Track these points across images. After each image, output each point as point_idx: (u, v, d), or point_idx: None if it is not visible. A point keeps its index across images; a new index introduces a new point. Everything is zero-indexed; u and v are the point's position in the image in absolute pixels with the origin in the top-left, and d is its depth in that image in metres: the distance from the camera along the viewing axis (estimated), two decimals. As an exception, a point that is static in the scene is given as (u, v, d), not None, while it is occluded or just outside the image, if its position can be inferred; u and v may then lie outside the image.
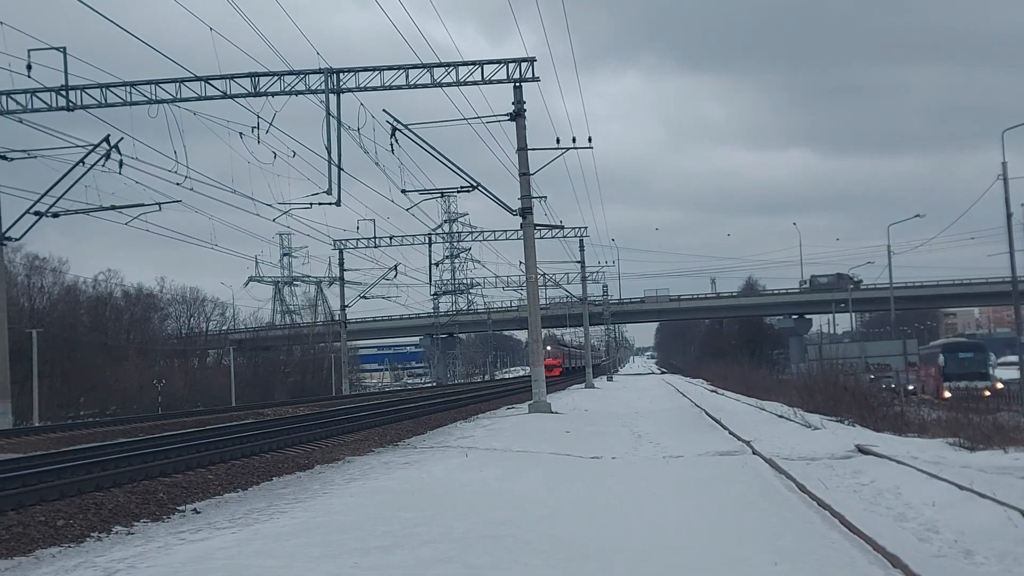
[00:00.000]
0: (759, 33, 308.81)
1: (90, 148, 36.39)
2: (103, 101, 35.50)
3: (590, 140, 38.82)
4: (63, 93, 35.25)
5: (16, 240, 40.84)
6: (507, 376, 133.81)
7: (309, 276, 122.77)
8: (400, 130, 34.36)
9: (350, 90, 34.80)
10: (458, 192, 41.05)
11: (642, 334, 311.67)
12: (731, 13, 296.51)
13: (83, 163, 36.74)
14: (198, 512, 14.31)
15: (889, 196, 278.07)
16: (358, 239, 67.45)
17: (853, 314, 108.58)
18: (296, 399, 69.54)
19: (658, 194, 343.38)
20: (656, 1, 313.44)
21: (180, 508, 14.63)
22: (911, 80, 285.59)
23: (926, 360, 57.02)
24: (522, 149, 36.20)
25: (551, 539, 11.02)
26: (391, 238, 67.24)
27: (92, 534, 12.56)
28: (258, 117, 33.40)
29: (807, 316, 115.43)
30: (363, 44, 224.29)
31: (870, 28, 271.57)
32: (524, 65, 35.42)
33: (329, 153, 33.64)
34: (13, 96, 36.21)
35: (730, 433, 25.11)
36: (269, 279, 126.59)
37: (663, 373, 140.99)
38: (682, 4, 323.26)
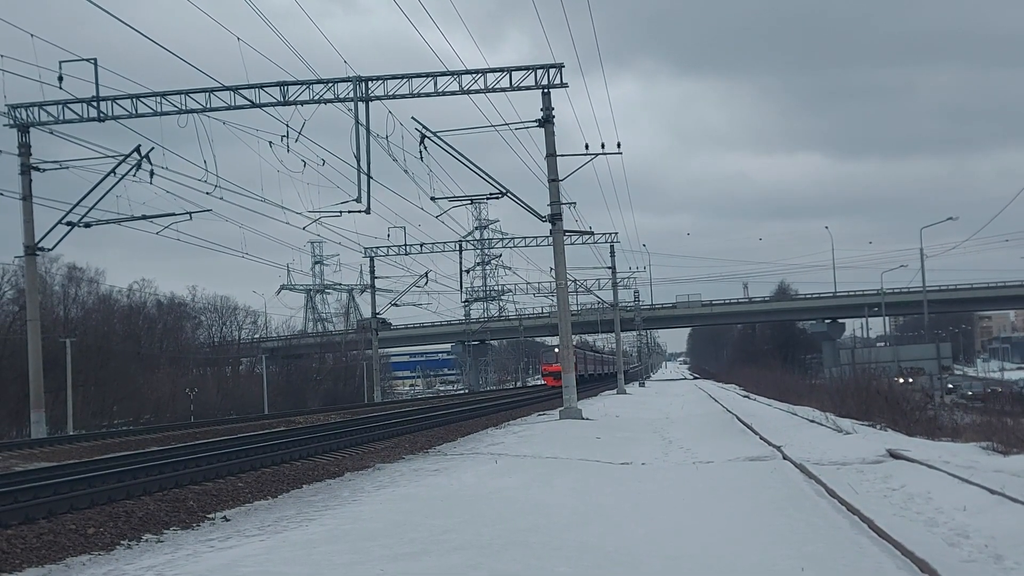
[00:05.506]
0: (758, 36, 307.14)
1: (121, 158, 36.65)
2: (133, 112, 35.76)
3: (619, 145, 38.80)
4: (94, 104, 35.55)
5: (48, 251, 41.09)
6: (539, 383, 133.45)
7: (340, 284, 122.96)
8: (429, 137, 34.46)
9: (378, 98, 34.84)
10: (487, 199, 41.02)
11: (675, 339, 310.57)
12: (728, 16, 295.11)
13: (114, 173, 36.92)
14: (227, 520, 14.38)
15: (910, 199, 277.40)
16: (389, 246, 67.36)
17: (886, 318, 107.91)
18: (328, 406, 69.65)
19: (671, 200, 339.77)
20: (650, 4, 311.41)
21: (210, 516, 14.70)
22: (920, 82, 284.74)
23: None
24: (551, 155, 36.08)
25: (579, 546, 11.00)
26: (422, 245, 66.98)
27: (122, 542, 12.66)
28: (287, 126, 33.51)
29: (840, 320, 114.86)
30: (356, 50, 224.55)
31: (874, 31, 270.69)
32: (552, 71, 35.37)
33: (358, 161, 33.71)
34: (45, 107, 36.57)
35: (761, 438, 24.99)
36: (301, 287, 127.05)
37: (696, 378, 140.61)
38: (678, 7, 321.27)
